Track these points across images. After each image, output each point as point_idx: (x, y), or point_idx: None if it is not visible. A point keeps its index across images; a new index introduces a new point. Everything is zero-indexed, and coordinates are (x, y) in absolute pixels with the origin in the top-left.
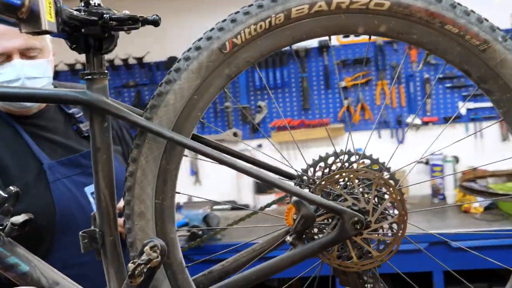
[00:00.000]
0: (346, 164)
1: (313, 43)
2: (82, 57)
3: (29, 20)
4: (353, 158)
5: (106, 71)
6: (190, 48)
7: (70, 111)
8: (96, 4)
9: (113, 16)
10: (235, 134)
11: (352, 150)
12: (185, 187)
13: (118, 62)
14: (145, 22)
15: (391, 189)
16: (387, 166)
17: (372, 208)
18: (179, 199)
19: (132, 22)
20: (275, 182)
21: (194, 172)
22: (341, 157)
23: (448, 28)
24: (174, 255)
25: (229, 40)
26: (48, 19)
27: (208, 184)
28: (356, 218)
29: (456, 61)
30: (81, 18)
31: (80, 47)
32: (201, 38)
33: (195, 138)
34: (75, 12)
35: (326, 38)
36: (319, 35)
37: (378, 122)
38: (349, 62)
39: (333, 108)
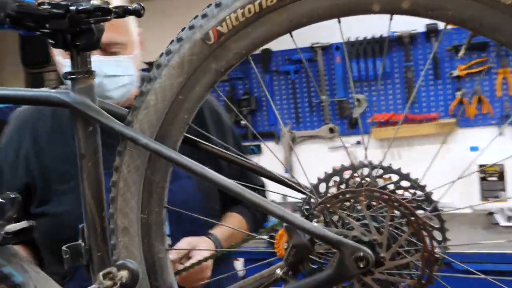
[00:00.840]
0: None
1: (419, 27)
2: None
3: None
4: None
5: (91, 70)
6: (173, 40)
7: None
8: None
9: (79, 8)
10: (331, 130)
11: (374, 162)
12: (278, 186)
13: None
14: (126, 12)
15: (412, 216)
16: (421, 184)
17: (386, 241)
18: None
19: (102, 14)
20: (260, 203)
21: (288, 170)
22: (360, 170)
23: None
24: (162, 278)
25: (213, 29)
26: None
27: (303, 182)
28: (359, 254)
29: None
30: (40, 13)
31: (58, 44)
32: (184, 28)
33: (192, 142)
34: (33, 6)
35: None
36: (324, 17)
37: (499, 117)
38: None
39: (443, 101)
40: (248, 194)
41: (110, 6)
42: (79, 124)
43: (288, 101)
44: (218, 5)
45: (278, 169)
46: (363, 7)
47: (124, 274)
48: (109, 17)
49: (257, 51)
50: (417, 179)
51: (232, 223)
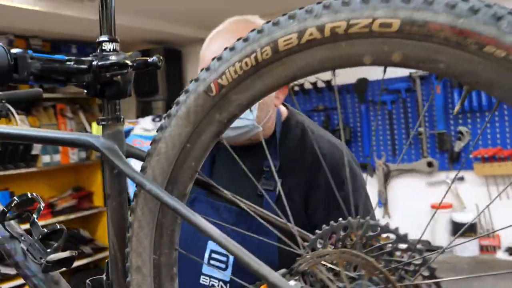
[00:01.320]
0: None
1: None
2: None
3: None
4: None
5: (120, 117)
6: (183, 92)
7: (267, 166)
8: (111, 50)
9: (99, 64)
10: (430, 164)
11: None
12: None
13: (308, 85)
14: (144, 65)
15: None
16: (419, 247)
17: None
18: None
19: (118, 68)
20: (241, 256)
21: (382, 204)
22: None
23: (489, 51)
24: None
25: (214, 82)
26: None
27: (398, 218)
28: None
29: (510, 98)
30: (66, 69)
31: (91, 94)
32: (192, 80)
33: (206, 186)
34: (58, 63)
35: None
36: (318, 70)
37: None
38: None
39: None
40: (232, 247)
41: (128, 61)
42: (107, 167)
43: (385, 132)
44: (219, 59)
45: (372, 201)
46: (356, 59)
47: None
48: (125, 71)
49: (353, 81)
50: (416, 240)
51: None
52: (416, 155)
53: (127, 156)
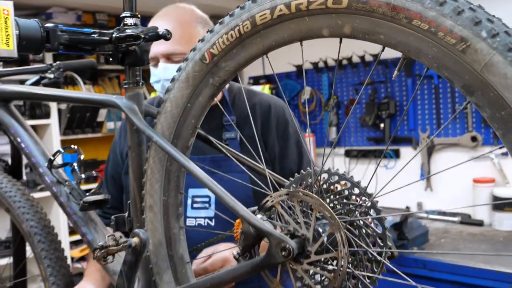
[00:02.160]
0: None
1: None
2: (325, 55)
3: None
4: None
5: (140, 81)
6: (185, 59)
7: (226, 119)
8: (131, 24)
9: (117, 36)
10: (474, 139)
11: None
12: (415, 192)
13: (356, 59)
14: (155, 37)
15: (330, 217)
16: (369, 192)
17: (313, 237)
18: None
19: (133, 39)
20: (220, 194)
21: (425, 177)
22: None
23: (416, 24)
24: (175, 249)
25: (207, 51)
26: (3, 48)
27: (440, 191)
28: (284, 244)
29: (434, 65)
30: (90, 40)
31: (115, 62)
32: (191, 49)
33: (207, 140)
34: (82, 36)
35: None
36: (289, 41)
37: None
38: None
39: None
40: (216, 188)
41: (141, 34)
42: (128, 123)
43: (430, 106)
44: (211, 31)
45: (415, 174)
46: (317, 32)
47: (135, 240)
48: (139, 42)
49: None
50: (366, 187)
51: None
52: (461, 130)
53: (145, 115)
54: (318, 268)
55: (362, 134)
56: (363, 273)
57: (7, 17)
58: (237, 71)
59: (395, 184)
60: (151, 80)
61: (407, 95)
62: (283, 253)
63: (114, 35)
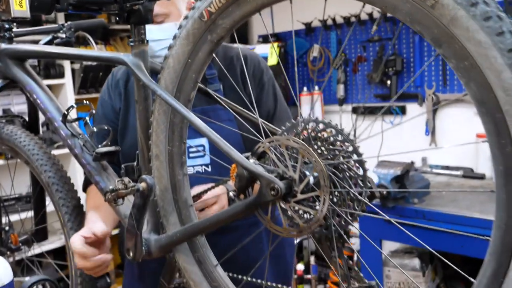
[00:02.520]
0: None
1: None
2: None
3: (6, 11)
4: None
5: (145, 39)
6: (184, 17)
7: (208, 72)
8: None
9: None
10: None
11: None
12: (419, 147)
13: (364, 16)
14: None
15: (314, 160)
16: (351, 138)
17: (299, 178)
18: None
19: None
20: (216, 141)
21: (430, 132)
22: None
23: None
24: (180, 194)
25: (205, 9)
26: (17, 9)
27: (444, 146)
28: (273, 185)
29: (407, 20)
30: (94, 0)
31: (121, 20)
32: (191, 8)
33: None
34: None
35: None
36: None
37: None
38: None
39: None
40: (213, 136)
41: None
42: (135, 79)
43: (437, 62)
44: None
45: (420, 130)
46: None
47: (142, 185)
48: (142, 1)
49: None
50: (349, 133)
51: None
52: None
53: (150, 71)
54: (306, 207)
55: (369, 91)
56: (345, 209)
57: None
58: (233, 28)
59: (400, 140)
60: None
61: (414, 51)
62: (272, 192)
63: None
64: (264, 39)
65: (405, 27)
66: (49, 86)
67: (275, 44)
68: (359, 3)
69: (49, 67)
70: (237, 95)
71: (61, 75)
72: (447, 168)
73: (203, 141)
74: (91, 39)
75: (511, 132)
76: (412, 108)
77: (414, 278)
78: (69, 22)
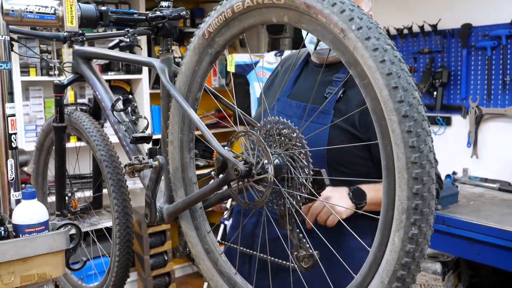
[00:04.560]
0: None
1: None
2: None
3: (61, 26)
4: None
5: (170, 49)
6: (194, 35)
7: (336, 76)
8: (165, 6)
9: (149, 16)
10: None
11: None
12: (461, 158)
13: (416, 29)
14: (177, 17)
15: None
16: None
17: (256, 162)
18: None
19: (160, 18)
20: (204, 132)
21: (471, 144)
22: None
23: (319, 18)
24: (186, 173)
25: (206, 29)
26: (69, 25)
27: (485, 158)
28: (236, 167)
29: (332, 46)
30: (132, 19)
31: (153, 34)
32: (198, 28)
33: (214, 95)
34: (126, 16)
35: None
36: (255, 24)
37: None
38: None
39: None
40: (199, 123)
41: (167, 14)
42: (160, 80)
43: (483, 77)
44: (208, 15)
45: (463, 142)
46: (269, 19)
47: (155, 163)
48: (164, 20)
49: (458, 26)
50: (297, 128)
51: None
52: (510, 101)
53: (174, 75)
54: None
55: None
56: (289, 190)
57: (72, 4)
58: (226, 44)
59: (443, 150)
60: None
61: (461, 65)
62: (236, 172)
63: (148, 15)
64: None
65: (455, 41)
66: (129, 80)
67: None
68: (412, 16)
69: (130, 64)
70: (351, 106)
71: (139, 71)
72: (485, 180)
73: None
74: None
75: (390, 136)
76: (457, 120)
77: (433, 281)
78: (132, 29)
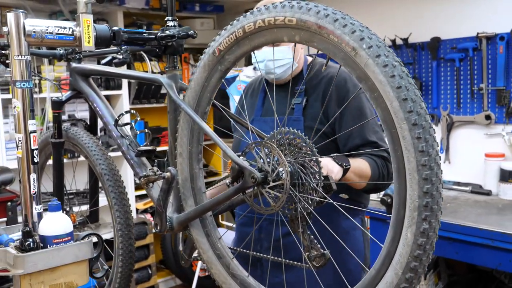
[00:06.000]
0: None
1: None
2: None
3: (79, 46)
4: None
5: (176, 65)
6: (203, 52)
7: (297, 88)
8: (171, 26)
9: (158, 35)
10: (488, 117)
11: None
12: None
13: (388, 42)
14: (185, 36)
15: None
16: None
17: (271, 170)
18: None
19: (169, 37)
20: (217, 141)
21: (444, 150)
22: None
23: (331, 38)
24: (195, 183)
25: (216, 48)
26: (86, 44)
27: (457, 163)
28: (253, 174)
29: (342, 63)
30: (142, 38)
31: (160, 52)
32: (207, 46)
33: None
34: (136, 35)
35: None
36: (266, 43)
37: None
38: None
39: None
40: (217, 139)
41: (175, 33)
42: (168, 95)
43: (452, 87)
44: (219, 34)
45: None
46: (281, 38)
47: (167, 174)
48: (173, 39)
49: (427, 39)
50: (310, 141)
51: (359, 163)
52: (478, 109)
53: (179, 90)
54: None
55: None
56: (303, 195)
57: (89, 25)
58: (235, 61)
59: None
60: (253, 60)
61: (432, 76)
62: (252, 180)
63: (158, 34)
64: None
65: (425, 54)
66: (108, 96)
67: None
68: (382, 31)
69: (109, 79)
70: (316, 110)
71: (119, 87)
72: (458, 184)
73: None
74: (146, 57)
75: (400, 142)
76: None
77: None
78: (125, 46)
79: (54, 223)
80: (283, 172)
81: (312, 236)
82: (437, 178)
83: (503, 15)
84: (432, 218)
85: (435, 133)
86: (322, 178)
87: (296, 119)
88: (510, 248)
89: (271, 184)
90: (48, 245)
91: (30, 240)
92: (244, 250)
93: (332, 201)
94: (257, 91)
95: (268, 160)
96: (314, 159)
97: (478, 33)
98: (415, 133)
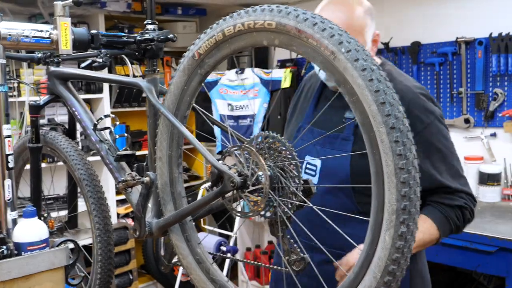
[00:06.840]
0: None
1: None
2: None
3: (56, 49)
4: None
5: (156, 69)
6: (182, 55)
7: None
8: (151, 29)
9: (137, 39)
10: (467, 121)
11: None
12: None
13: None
14: (164, 40)
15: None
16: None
17: (251, 174)
18: None
19: (148, 41)
20: (199, 148)
21: None
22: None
23: (310, 41)
24: (175, 187)
25: (196, 51)
26: (63, 48)
27: None
28: (232, 178)
29: (322, 66)
30: (121, 41)
31: (140, 56)
32: (187, 50)
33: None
34: (115, 39)
35: None
36: (246, 47)
37: None
38: None
39: None
40: (193, 140)
41: (155, 37)
42: (147, 100)
43: (432, 91)
44: (199, 38)
45: None
46: (260, 42)
47: (146, 179)
48: (153, 43)
49: (408, 44)
50: (287, 141)
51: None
52: (457, 112)
53: (159, 93)
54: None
55: None
56: (285, 200)
57: (66, 28)
58: (216, 65)
59: None
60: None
61: None
62: (231, 184)
63: (137, 38)
64: (282, 64)
65: (405, 58)
66: (89, 100)
67: (288, 69)
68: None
69: (90, 83)
70: None
71: (99, 90)
72: None
73: (318, 162)
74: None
75: (379, 146)
76: None
77: None
78: (104, 50)
79: (29, 229)
80: (262, 176)
81: (292, 240)
82: (414, 182)
83: (482, 21)
84: (410, 221)
85: (413, 136)
86: (302, 182)
87: (345, 138)
88: (488, 250)
89: (251, 188)
90: (23, 252)
91: (4, 247)
92: (222, 255)
93: (311, 205)
94: (312, 92)
95: (248, 164)
96: (294, 162)
97: (457, 38)
98: (393, 136)
